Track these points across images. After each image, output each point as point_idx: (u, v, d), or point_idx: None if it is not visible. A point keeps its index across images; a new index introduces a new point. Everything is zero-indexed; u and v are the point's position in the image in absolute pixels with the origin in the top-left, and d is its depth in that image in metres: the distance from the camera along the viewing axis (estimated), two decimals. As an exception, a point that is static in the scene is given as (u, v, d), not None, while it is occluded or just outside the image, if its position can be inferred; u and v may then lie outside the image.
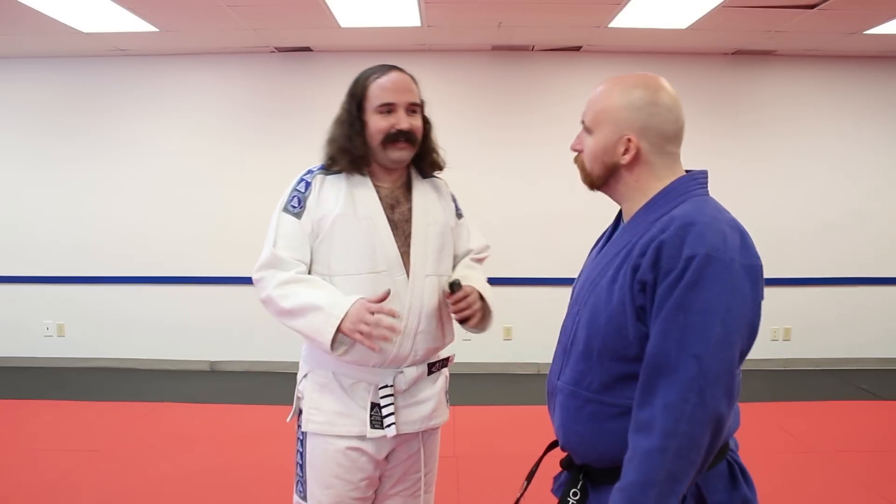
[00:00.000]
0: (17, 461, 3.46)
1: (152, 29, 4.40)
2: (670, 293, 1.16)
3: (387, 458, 1.79)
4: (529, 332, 5.24)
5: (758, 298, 1.19)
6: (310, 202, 1.72)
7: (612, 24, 4.34)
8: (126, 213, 5.28)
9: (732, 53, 5.18)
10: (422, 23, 4.34)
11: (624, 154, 1.28)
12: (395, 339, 1.69)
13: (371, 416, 1.71)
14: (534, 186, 5.22)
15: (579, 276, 1.44)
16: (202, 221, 5.23)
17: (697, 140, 4.95)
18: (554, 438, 1.48)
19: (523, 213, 5.24)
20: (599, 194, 1.43)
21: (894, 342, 5.40)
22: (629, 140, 1.27)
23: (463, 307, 1.73)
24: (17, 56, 5.20)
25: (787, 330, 5.36)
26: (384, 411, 1.72)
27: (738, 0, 3.83)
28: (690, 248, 1.16)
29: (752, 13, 4.07)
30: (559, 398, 1.35)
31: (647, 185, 1.30)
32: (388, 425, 1.71)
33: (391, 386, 1.73)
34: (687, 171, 1.32)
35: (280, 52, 5.13)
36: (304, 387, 1.79)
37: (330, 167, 1.77)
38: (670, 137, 1.29)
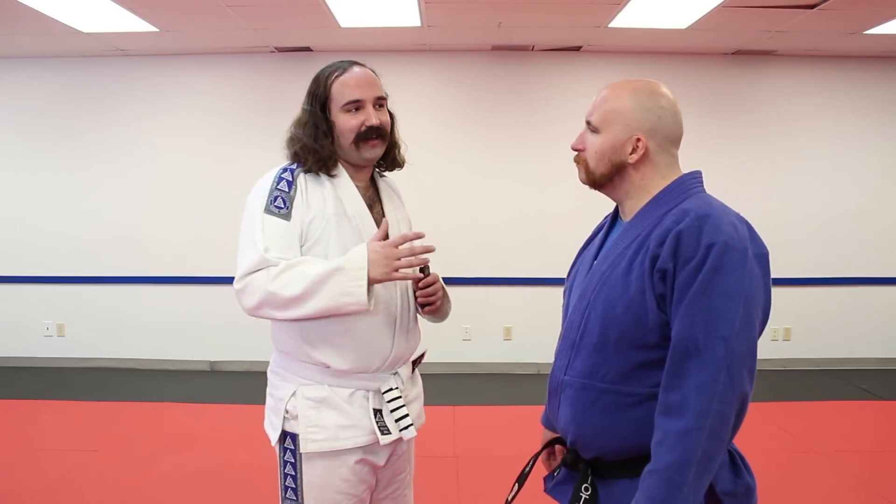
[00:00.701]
0: (17, 461, 3.46)
1: (152, 29, 4.40)
2: (692, 280, 1.21)
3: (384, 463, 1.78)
4: (529, 332, 5.24)
5: (768, 284, 1.27)
6: (297, 202, 1.62)
7: (612, 24, 4.34)
8: (126, 213, 5.28)
9: (732, 53, 5.18)
10: (422, 23, 4.34)
11: (632, 153, 1.34)
12: (393, 339, 1.69)
13: (377, 422, 1.66)
14: (534, 186, 5.22)
15: (573, 274, 1.49)
16: (202, 221, 5.23)
17: (697, 140, 4.97)
18: (538, 438, 1.49)
19: (523, 213, 5.24)
20: (599, 195, 1.45)
21: (894, 342, 5.40)
22: (638, 140, 1.33)
23: (430, 293, 1.72)
24: (17, 56, 5.20)
25: (787, 330, 5.35)
26: (397, 414, 1.68)
27: (738, 0, 3.82)
28: (708, 237, 1.22)
29: (752, 13, 4.07)
30: (568, 393, 1.37)
31: (652, 183, 1.36)
32: (406, 427, 1.68)
33: (397, 388, 1.70)
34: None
35: (280, 52, 5.13)
36: (294, 406, 1.65)
37: (296, 164, 1.71)
38: (674, 140, 1.37)
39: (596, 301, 1.34)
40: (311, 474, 1.66)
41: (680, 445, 1.17)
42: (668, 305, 1.24)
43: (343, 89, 1.66)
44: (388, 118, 1.73)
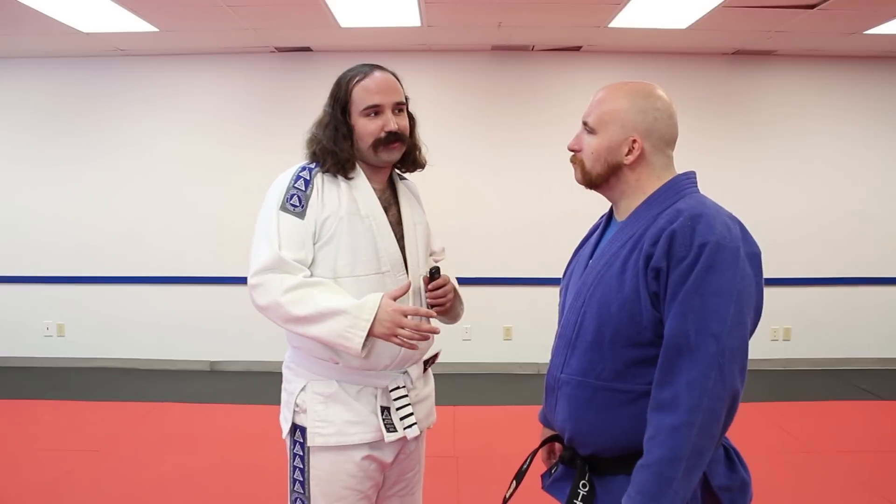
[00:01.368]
0: (17, 461, 3.46)
1: (152, 29, 4.40)
2: (685, 278, 1.23)
3: (392, 461, 1.78)
4: (529, 332, 5.24)
5: (760, 283, 1.29)
6: (312, 201, 1.64)
7: (612, 24, 4.34)
8: (126, 213, 5.28)
9: (732, 53, 5.18)
10: (422, 23, 4.34)
11: (628, 154, 1.36)
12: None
13: (383, 419, 1.68)
14: (534, 186, 5.22)
15: (569, 274, 1.51)
16: (202, 221, 5.23)
17: (697, 140, 5.01)
18: (538, 437, 1.49)
19: (523, 213, 5.24)
20: (599, 195, 1.45)
21: (894, 342, 5.39)
22: (634, 141, 1.36)
23: (440, 294, 1.74)
24: (17, 56, 5.20)
25: (787, 330, 5.35)
26: (402, 412, 1.69)
27: (738, 0, 3.83)
28: (701, 236, 1.24)
29: (752, 13, 4.07)
30: (565, 391, 1.39)
31: (647, 184, 1.38)
32: (410, 426, 1.70)
33: (404, 387, 1.71)
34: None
35: (280, 52, 5.13)
36: (303, 400, 1.69)
37: (318, 163, 1.73)
38: (669, 141, 1.39)
39: (591, 300, 1.36)
40: (318, 468, 1.68)
41: (670, 441, 1.20)
42: (662, 303, 1.27)
43: (363, 94, 1.67)
44: (407, 122, 1.75)
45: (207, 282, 5.24)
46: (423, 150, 1.83)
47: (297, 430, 1.71)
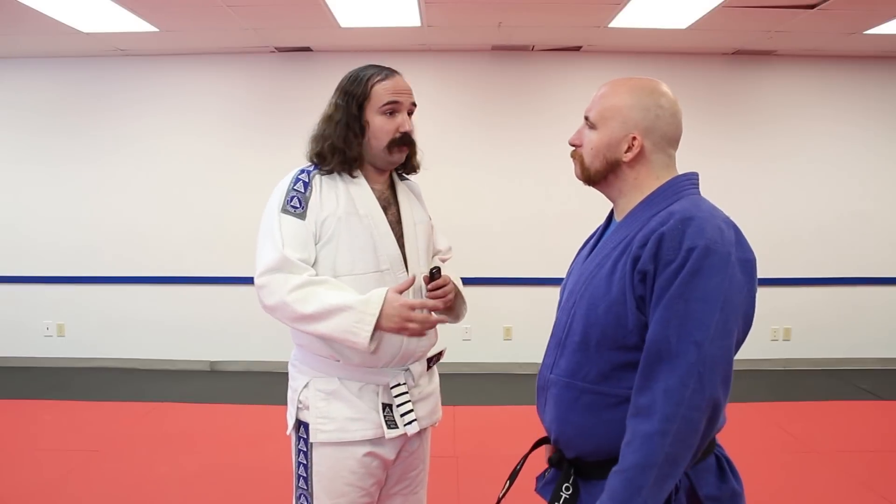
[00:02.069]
0: (17, 461, 3.46)
1: (152, 29, 4.40)
2: (670, 283, 1.20)
3: (394, 458, 1.79)
4: (529, 332, 5.24)
5: (752, 290, 1.25)
6: (312, 203, 1.67)
7: (612, 24, 4.34)
8: (126, 213, 5.28)
9: (732, 53, 5.18)
10: (422, 23, 4.34)
11: (627, 151, 1.34)
12: (403, 338, 1.70)
13: (385, 416, 1.70)
14: (534, 186, 5.22)
15: (569, 273, 1.49)
16: (202, 221, 5.23)
17: (697, 140, 5.00)
18: (538, 438, 1.49)
19: (523, 213, 5.24)
20: (600, 195, 1.45)
21: (894, 342, 5.39)
22: (634, 138, 1.33)
23: (440, 294, 1.75)
24: (17, 56, 5.20)
25: (787, 330, 5.35)
26: (402, 409, 1.71)
27: (738, 0, 3.82)
28: (690, 240, 1.20)
29: (752, 13, 4.07)
30: (553, 391, 1.37)
31: (645, 183, 1.35)
32: (410, 422, 1.71)
33: (404, 384, 1.73)
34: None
35: (280, 52, 5.13)
36: (306, 396, 1.72)
37: (317, 164, 1.74)
38: (671, 140, 1.36)
39: (581, 300, 1.34)
40: (321, 464, 1.71)
41: (643, 448, 1.17)
42: (648, 307, 1.23)
43: (384, 92, 1.69)
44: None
45: (207, 282, 5.24)
46: (419, 154, 1.84)
47: (300, 426, 1.74)
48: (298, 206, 1.67)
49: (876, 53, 5.11)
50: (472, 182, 5.24)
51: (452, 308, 1.85)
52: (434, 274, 1.75)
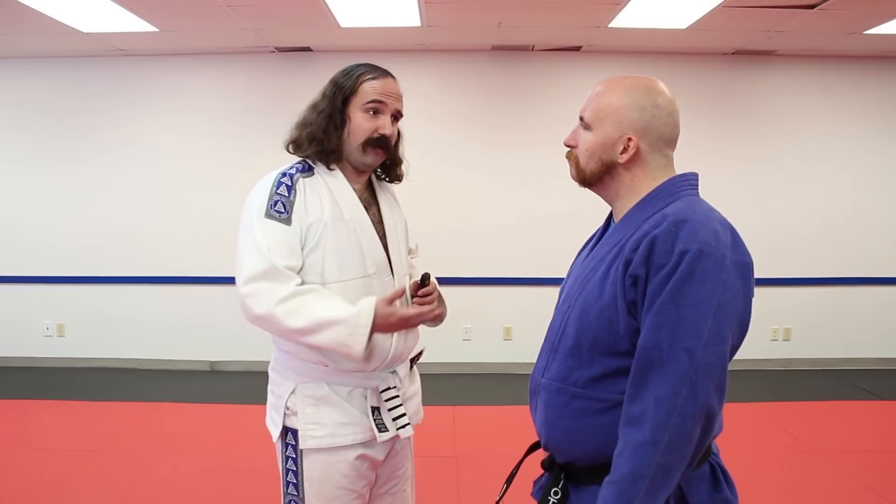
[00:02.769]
0: (17, 461, 3.46)
1: (152, 29, 4.40)
2: (662, 287, 1.17)
3: (384, 459, 1.79)
4: (529, 332, 5.20)
5: (749, 295, 1.21)
6: (297, 207, 1.62)
7: (612, 24, 4.34)
8: (126, 213, 5.28)
9: (732, 53, 5.18)
10: (422, 23, 4.34)
11: (622, 153, 1.30)
12: (393, 340, 1.70)
13: (374, 420, 1.69)
14: (534, 186, 5.22)
15: (567, 276, 1.46)
16: (202, 221, 5.23)
17: (697, 140, 5.01)
18: (535, 441, 1.48)
19: (523, 213, 5.24)
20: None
21: (894, 342, 5.39)
22: (629, 139, 1.29)
23: (429, 301, 1.73)
24: (17, 56, 5.20)
25: (787, 330, 5.35)
26: (394, 413, 1.70)
27: (738, 0, 3.82)
28: (683, 243, 1.17)
29: (752, 13, 4.07)
30: (543, 395, 1.36)
31: (641, 185, 1.32)
32: (403, 426, 1.71)
33: (395, 387, 1.72)
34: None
35: (280, 52, 5.13)
36: (293, 402, 1.69)
37: (291, 151, 1.72)
38: (668, 140, 1.32)
39: (575, 304, 1.31)
40: (312, 469, 1.68)
41: (635, 458, 1.14)
42: (639, 313, 1.21)
43: (371, 90, 1.67)
44: (396, 133, 1.76)
45: (207, 282, 5.24)
46: (405, 165, 1.83)
47: (288, 432, 1.70)
48: (283, 211, 1.62)
49: (876, 53, 5.11)
50: (471, 182, 5.24)
51: (438, 316, 1.81)
52: (424, 280, 1.73)
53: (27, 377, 5.12)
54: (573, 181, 1.41)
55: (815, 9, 3.93)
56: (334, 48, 4.98)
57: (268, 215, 1.61)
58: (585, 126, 1.34)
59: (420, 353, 1.88)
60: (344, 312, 1.56)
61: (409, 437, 1.85)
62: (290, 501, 1.73)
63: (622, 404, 1.22)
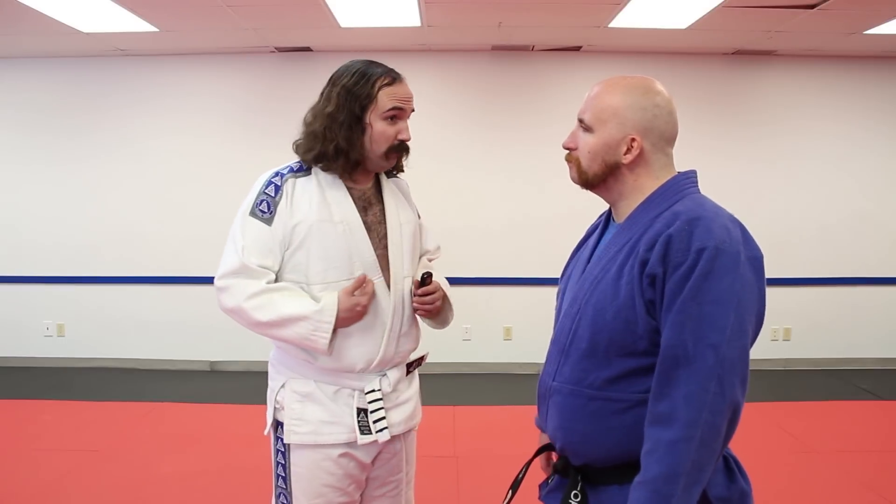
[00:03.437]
0: (17, 461, 3.46)
1: (152, 29, 4.40)
2: (682, 285, 1.18)
3: (372, 461, 1.78)
4: (529, 332, 5.24)
5: (762, 288, 1.23)
6: (281, 208, 1.64)
7: (612, 24, 4.34)
8: (126, 213, 5.28)
9: (732, 53, 5.18)
10: (422, 23, 4.34)
11: (626, 153, 1.30)
12: (381, 343, 1.69)
13: (359, 421, 1.68)
14: (534, 186, 5.22)
15: (567, 278, 1.46)
16: (202, 221, 5.22)
17: (697, 140, 5.01)
18: (539, 444, 1.47)
19: (523, 213, 5.24)
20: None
21: (894, 342, 5.39)
22: (633, 140, 1.30)
23: (428, 301, 1.73)
24: (17, 56, 5.20)
25: (787, 330, 5.35)
26: (374, 416, 1.69)
27: (738, 0, 3.82)
28: (699, 241, 1.18)
29: (752, 13, 4.07)
30: (556, 399, 1.35)
31: (645, 184, 1.32)
32: (381, 430, 1.69)
33: (379, 390, 1.70)
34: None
35: (280, 52, 5.13)
36: (282, 397, 1.72)
37: (313, 163, 1.69)
38: (668, 139, 1.33)
39: (587, 306, 1.31)
40: (298, 464, 1.70)
41: (668, 456, 1.15)
42: (658, 312, 1.21)
43: (389, 99, 1.65)
44: None
45: (207, 282, 5.15)
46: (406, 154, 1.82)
47: (278, 426, 1.74)
48: (267, 210, 1.64)
49: (876, 53, 5.11)
50: (471, 182, 5.24)
51: (439, 313, 1.81)
52: (424, 279, 1.72)
53: (27, 377, 5.12)
54: (573, 183, 1.40)
55: (815, 9, 3.93)
56: (334, 48, 4.98)
57: (252, 213, 1.65)
58: (586, 128, 1.33)
59: (421, 359, 1.86)
60: (307, 309, 1.60)
61: (407, 442, 1.84)
62: (279, 494, 1.75)
63: (641, 404, 1.23)
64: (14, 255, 5.34)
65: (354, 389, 1.70)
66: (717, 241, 1.18)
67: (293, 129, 1.77)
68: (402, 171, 1.85)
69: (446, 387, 4.72)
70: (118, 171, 5.27)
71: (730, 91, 5.26)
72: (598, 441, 1.29)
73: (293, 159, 1.75)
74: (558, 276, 1.54)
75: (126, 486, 3.20)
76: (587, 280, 1.34)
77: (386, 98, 1.65)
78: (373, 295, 1.66)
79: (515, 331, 5.34)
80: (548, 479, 1.48)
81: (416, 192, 1.94)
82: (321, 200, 1.67)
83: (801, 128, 5.28)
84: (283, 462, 1.72)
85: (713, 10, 3.97)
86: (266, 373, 1.82)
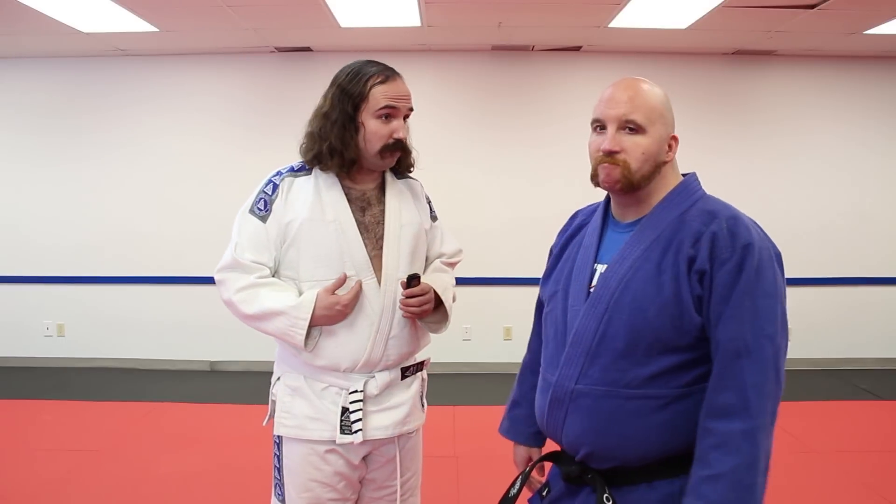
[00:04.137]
0: (17, 461, 3.45)
1: (152, 29, 4.40)
2: (734, 280, 1.23)
3: (366, 461, 1.77)
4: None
5: (784, 280, 1.32)
6: (276, 206, 1.68)
7: (612, 24, 4.34)
8: (126, 213, 5.28)
9: (732, 53, 5.18)
10: (422, 23, 4.34)
11: (668, 152, 1.35)
12: (367, 344, 1.68)
13: (341, 421, 1.68)
14: (534, 186, 5.22)
15: (561, 278, 1.43)
16: (202, 221, 5.22)
17: (697, 140, 5.01)
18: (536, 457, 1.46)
19: (523, 212, 5.24)
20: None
21: (894, 342, 5.39)
22: (673, 138, 1.35)
23: (413, 303, 1.69)
24: (17, 56, 5.20)
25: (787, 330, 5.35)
26: (352, 417, 1.68)
27: (738, 0, 3.82)
28: (742, 238, 1.25)
29: (752, 13, 4.07)
30: (584, 403, 1.31)
31: (670, 182, 1.36)
32: (356, 431, 1.68)
33: (361, 391, 1.69)
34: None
35: (280, 52, 5.13)
36: (276, 390, 1.77)
37: (312, 164, 1.70)
38: None
39: (619, 306, 1.29)
40: (289, 457, 1.74)
41: (746, 446, 1.18)
42: (706, 307, 1.24)
43: (381, 97, 1.65)
44: (407, 129, 1.75)
45: (207, 282, 5.17)
46: (414, 154, 1.81)
47: (273, 417, 1.78)
48: (263, 208, 1.69)
49: (876, 53, 5.11)
50: (471, 182, 5.24)
51: (431, 317, 1.78)
52: (410, 280, 1.69)
53: (27, 377, 5.12)
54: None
55: (815, 9, 3.93)
56: (334, 48, 4.98)
57: (250, 211, 1.71)
58: (635, 128, 1.30)
59: (420, 365, 1.83)
60: (286, 305, 1.64)
61: (412, 447, 1.83)
62: (275, 485, 1.78)
63: (683, 398, 1.25)
64: (14, 255, 5.34)
65: (342, 388, 1.70)
66: (755, 239, 1.25)
67: (293, 129, 1.78)
68: (410, 170, 1.84)
69: (446, 387, 4.71)
70: (118, 170, 5.27)
71: (730, 91, 5.26)
72: (638, 440, 1.28)
73: (294, 158, 1.77)
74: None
75: (126, 486, 3.20)
76: (612, 279, 1.32)
77: (379, 96, 1.65)
78: (357, 295, 1.66)
79: (515, 331, 5.34)
80: (540, 491, 1.45)
81: (416, 191, 1.93)
82: (315, 199, 1.69)
83: (801, 128, 5.28)
84: (278, 453, 1.76)
85: (713, 10, 3.97)
86: (267, 373, 1.85)
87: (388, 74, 1.68)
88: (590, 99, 1.40)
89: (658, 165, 1.33)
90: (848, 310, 5.38)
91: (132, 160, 5.25)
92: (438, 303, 1.78)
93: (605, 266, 1.35)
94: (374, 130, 1.66)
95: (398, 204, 1.77)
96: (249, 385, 4.87)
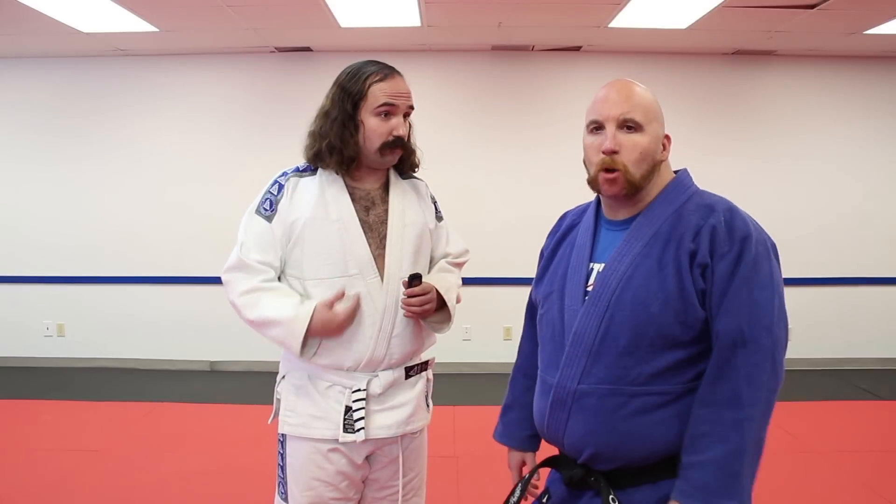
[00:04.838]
0: (17, 461, 3.45)
1: (152, 29, 4.40)
2: (732, 273, 1.24)
3: (369, 461, 1.77)
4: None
5: (781, 272, 1.32)
6: (281, 205, 1.69)
7: (612, 24, 4.34)
8: (126, 213, 5.28)
9: (732, 53, 5.18)
10: (422, 23, 4.34)
11: (663, 151, 1.35)
12: (370, 342, 1.68)
13: (344, 419, 1.68)
14: (534, 186, 5.22)
15: (556, 279, 1.43)
16: (202, 221, 5.22)
17: (697, 140, 5.01)
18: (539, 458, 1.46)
19: (523, 212, 5.24)
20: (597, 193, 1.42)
21: (894, 342, 5.39)
22: (667, 137, 1.36)
23: (414, 303, 1.69)
24: (17, 56, 5.20)
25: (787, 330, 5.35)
26: (355, 416, 1.69)
27: (738, 0, 3.83)
28: (740, 230, 1.26)
29: (752, 13, 4.07)
30: (587, 402, 1.30)
31: (663, 178, 1.37)
32: (358, 430, 1.68)
33: (364, 390, 1.70)
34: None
35: (280, 52, 5.13)
36: (281, 388, 1.78)
37: (313, 163, 1.72)
38: None
39: (619, 303, 1.28)
40: (292, 455, 1.74)
41: (734, 434, 1.19)
42: (708, 300, 1.25)
43: (380, 94, 1.66)
44: (408, 127, 1.75)
45: (207, 282, 5.23)
46: (418, 153, 1.82)
47: (278, 415, 1.79)
48: (269, 208, 1.71)
49: (876, 53, 5.11)
50: (471, 182, 5.24)
51: (434, 316, 1.78)
52: (412, 280, 1.69)
53: (27, 377, 5.12)
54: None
55: (815, 9, 3.93)
56: (334, 48, 4.98)
57: (256, 211, 1.72)
58: (635, 128, 1.30)
59: (424, 364, 1.83)
60: (284, 316, 1.64)
61: (417, 447, 1.83)
62: (279, 483, 1.78)
63: (687, 394, 1.26)
64: (14, 255, 5.34)
65: (345, 387, 1.70)
66: (752, 231, 1.26)
67: (293, 129, 1.78)
68: (414, 169, 1.84)
69: (446, 387, 4.70)
70: (118, 170, 5.27)
71: (730, 91, 5.26)
72: (644, 438, 1.27)
73: (295, 158, 1.78)
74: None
75: (126, 486, 3.20)
76: (611, 277, 1.31)
77: (377, 93, 1.65)
78: (356, 310, 1.67)
79: (515, 331, 5.30)
80: (541, 498, 1.43)
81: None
82: (319, 199, 1.69)
83: (801, 128, 5.28)
84: (282, 452, 1.76)
85: (713, 10, 3.97)
86: (267, 373, 1.85)
87: (387, 72, 1.69)
88: (590, 99, 1.40)
89: (655, 164, 1.33)
90: (848, 310, 5.38)
91: (132, 160, 5.25)
92: (442, 303, 1.77)
93: (602, 265, 1.34)
94: (373, 128, 1.66)
95: (402, 203, 1.77)
96: (249, 385, 4.88)
